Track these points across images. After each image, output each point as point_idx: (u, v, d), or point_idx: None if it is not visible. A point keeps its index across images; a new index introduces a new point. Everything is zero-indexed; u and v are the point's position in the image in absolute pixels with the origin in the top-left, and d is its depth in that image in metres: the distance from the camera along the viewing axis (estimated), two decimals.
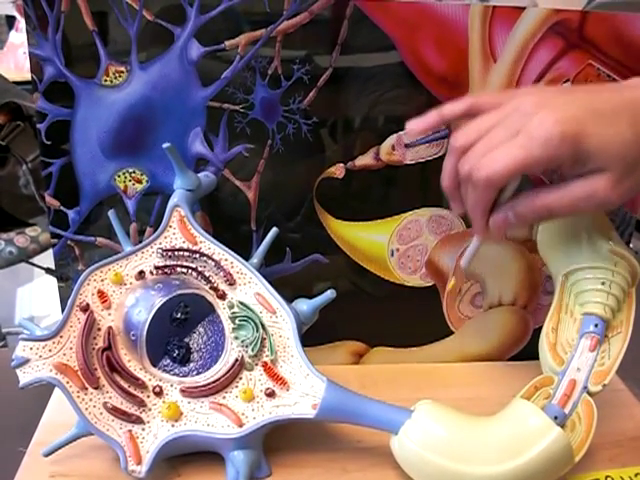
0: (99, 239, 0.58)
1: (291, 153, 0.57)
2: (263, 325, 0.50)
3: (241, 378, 0.49)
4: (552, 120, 0.40)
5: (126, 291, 0.51)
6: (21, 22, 2.02)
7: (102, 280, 0.51)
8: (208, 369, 0.50)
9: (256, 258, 0.55)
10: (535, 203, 0.44)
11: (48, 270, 1.45)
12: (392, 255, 0.61)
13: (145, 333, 0.49)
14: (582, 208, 0.43)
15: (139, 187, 0.57)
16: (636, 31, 0.55)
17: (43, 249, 1.34)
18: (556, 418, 0.46)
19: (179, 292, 0.50)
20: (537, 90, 0.48)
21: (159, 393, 0.48)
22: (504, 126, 0.43)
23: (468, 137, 0.45)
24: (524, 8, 0.53)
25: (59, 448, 0.47)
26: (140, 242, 0.53)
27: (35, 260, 1.39)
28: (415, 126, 0.49)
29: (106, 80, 0.53)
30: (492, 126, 0.44)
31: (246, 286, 0.52)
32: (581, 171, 0.42)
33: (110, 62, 0.53)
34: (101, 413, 0.46)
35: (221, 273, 0.51)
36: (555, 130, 0.40)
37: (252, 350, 0.48)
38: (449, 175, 0.47)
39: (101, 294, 0.50)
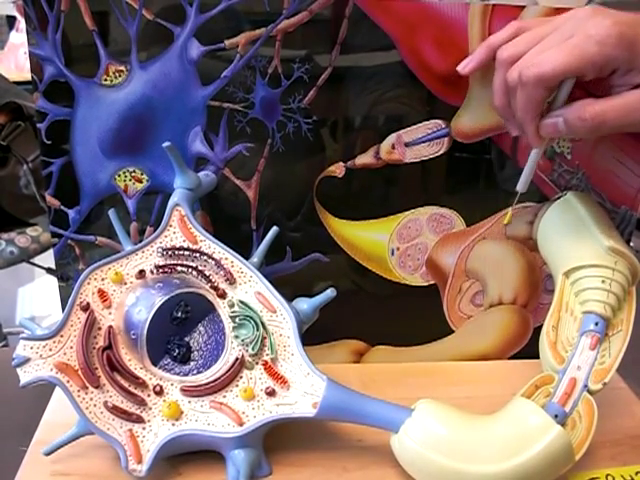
0: (99, 238, 0.58)
1: (291, 152, 0.57)
2: (263, 324, 0.50)
3: (241, 377, 0.49)
4: (610, 21, 0.39)
5: (126, 290, 0.51)
6: (21, 22, 2.02)
7: (102, 279, 0.51)
8: (208, 368, 0.50)
9: (256, 257, 0.55)
10: (587, 110, 0.42)
11: (49, 270, 1.45)
12: (392, 254, 0.61)
13: (145, 332, 0.49)
14: (635, 117, 0.41)
15: (139, 186, 0.57)
16: None
17: (44, 249, 1.34)
18: (556, 416, 0.46)
19: (179, 291, 0.50)
20: (589, 7, 0.45)
21: (159, 392, 0.48)
22: (558, 33, 0.41)
23: (517, 47, 0.43)
24: (524, 6, 0.53)
25: (60, 447, 0.47)
26: (140, 241, 0.53)
27: (36, 260, 1.40)
28: (466, 65, 0.47)
29: (106, 79, 0.54)
30: (543, 36, 0.42)
31: (246, 285, 0.52)
32: (633, 81, 0.40)
33: (110, 61, 0.53)
34: (102, 412, 0.46)
35: (221, 272, 0.51)
36: (614, 30, 0.38)
37: (252, 349, 0.48)
38: (499, 90, 0.45)
39: (101, 293, 0.50)
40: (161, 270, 0.51)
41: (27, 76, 0.53)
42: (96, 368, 0.47)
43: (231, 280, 0.51)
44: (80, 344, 0.47)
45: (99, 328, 0.49)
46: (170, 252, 0.52)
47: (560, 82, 0.44)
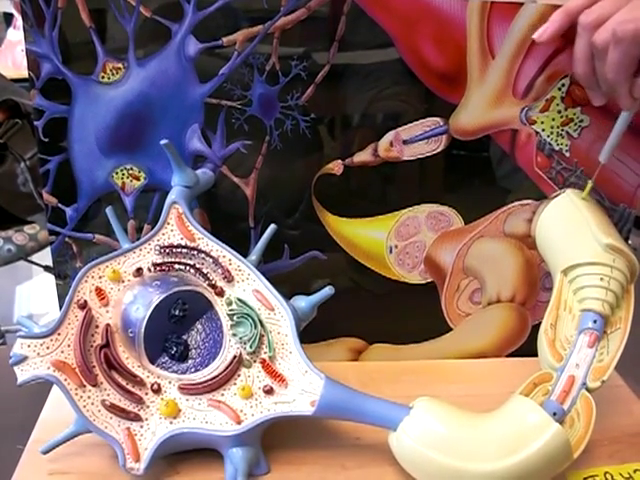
0: (97, 236, 0.58)
1: (289, 150, 0.57)
2: (261, 322, 0.49)
3: (239, 375, 0.49)
4: None
5: (124, 288, 0.51)
6: (18, 19, 2.01)
7: (100, 277, 0.50)
8: (206, 366, 0.50)
9: (254, 255, 0.54)
10: None
11: (46, 268, 1.45)
12: (390, 252, 0.61)
13: (143, 330, 0.48)
14: None
15: (137, 184, 0.57)
16: None
17: (41, 247, 1.34)
18: (555, 414, 0.46)
19: (177, 289, 0.50)
20: None
21: (157, 390, 0.48)
22: None
23: (603, 10, 0.42)
24: (522, 4, 0.53)
25: (57, 446, 0.47)
26: (138, 239, 0.53)
27: (34, 258, 1.39)
28: (544, 32, 0.46)
29: (103, 77, 0.53)
30: (628, 0, 0.41)
31: (244, 283, 0.52)
32: None
33: (107, 59, 0.53)
34: (99, 410, 0.46)
35: (219, 270, 0.51)
36: None
37: (250, 347, 0.48)
38: (583, 56, 0.44)
39: (99, 291, 0.50)
40: (159, 268, 0.51)
41: (24, 73, 0.53)
42: (94, 366, 0.47)
43: (229, 278, 0.51)
44: (77, 342, 0.47)
45: (97, 326, 0.49)
46: (168, 250, 0.51)
47: None
